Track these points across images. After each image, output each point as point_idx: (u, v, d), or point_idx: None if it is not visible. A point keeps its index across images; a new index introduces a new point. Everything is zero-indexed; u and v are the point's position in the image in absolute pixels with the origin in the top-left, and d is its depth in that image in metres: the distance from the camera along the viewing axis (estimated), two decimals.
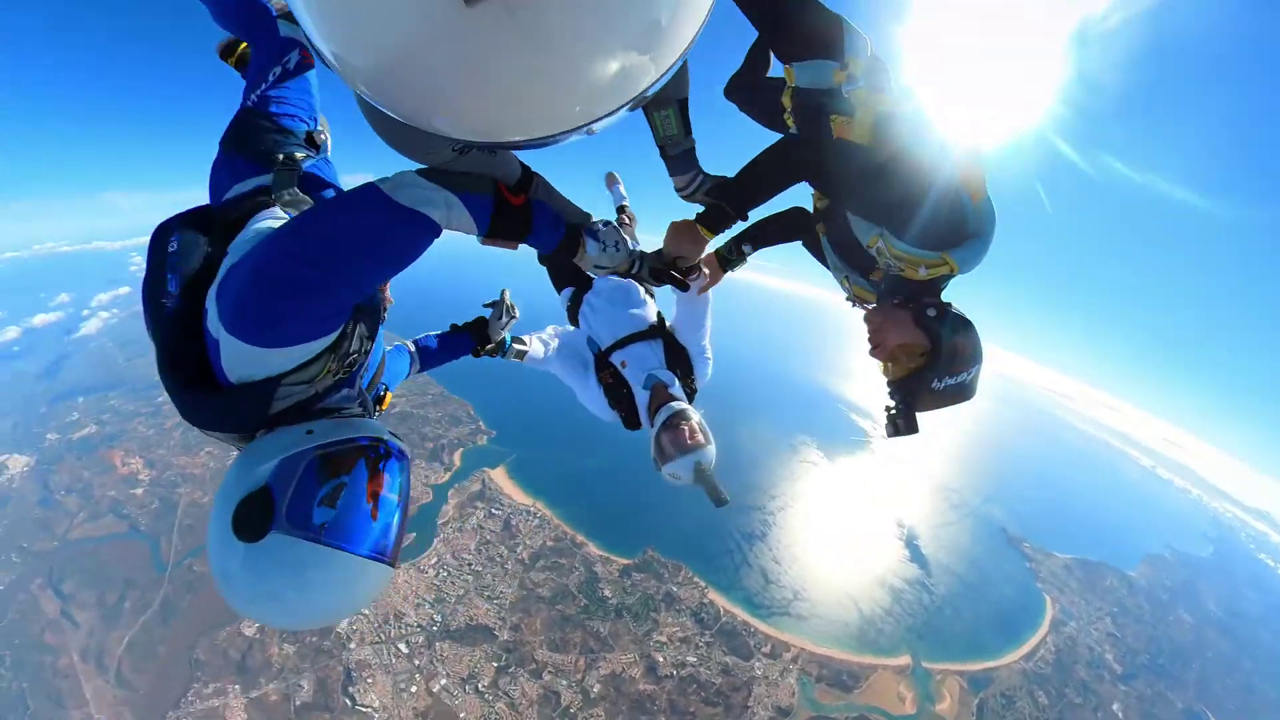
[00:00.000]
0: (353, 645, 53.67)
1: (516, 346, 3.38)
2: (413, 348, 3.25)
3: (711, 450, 2.70)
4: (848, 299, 2.83)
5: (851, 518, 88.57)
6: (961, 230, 1.93)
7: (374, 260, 1.38)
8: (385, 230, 1.37)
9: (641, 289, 3.25)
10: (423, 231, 1.43)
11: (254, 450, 1.31)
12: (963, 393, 2.12)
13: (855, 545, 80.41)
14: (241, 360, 1.25)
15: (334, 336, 1.38)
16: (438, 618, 57.43)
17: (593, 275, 2.28)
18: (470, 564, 62.30)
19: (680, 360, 2.94)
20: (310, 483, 1.23)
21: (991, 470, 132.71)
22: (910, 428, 2.24)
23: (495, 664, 56.21)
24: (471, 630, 57.15)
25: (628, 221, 3.99)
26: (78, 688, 48.42)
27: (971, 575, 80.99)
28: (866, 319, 2.32)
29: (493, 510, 70.02)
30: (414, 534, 64.18)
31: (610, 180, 4.65)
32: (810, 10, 2.10)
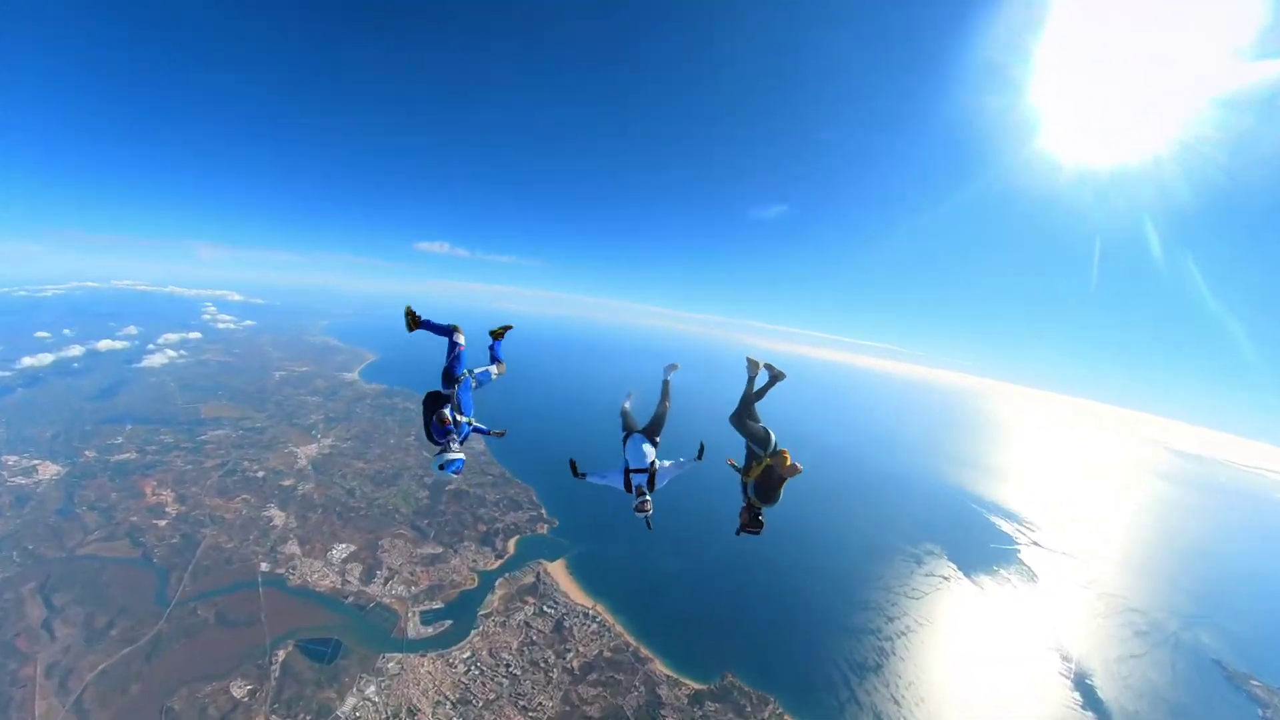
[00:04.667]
0: None
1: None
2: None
3: (650, 512, 10.19)
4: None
5: (998, 648, 77.94)
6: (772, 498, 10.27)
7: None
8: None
9: (650, 450, 11.14)
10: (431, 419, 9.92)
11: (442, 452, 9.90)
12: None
13: (1003, 685, 70.38)
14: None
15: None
16: None
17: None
18: (509, 665, 60.60)
19: (651, 481, 10.48)
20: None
21: (1190, 581, 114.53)
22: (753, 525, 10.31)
23: None
24: None
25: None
26: (29, 700, 49.75)
27: None
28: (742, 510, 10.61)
29: (545, 608, 69.48)
30: (449, 621, 64.99)
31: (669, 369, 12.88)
32: (759, 438, 10.72)
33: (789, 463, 9.69)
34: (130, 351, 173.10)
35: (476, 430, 10.52)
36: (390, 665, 57.46)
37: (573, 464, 10.71)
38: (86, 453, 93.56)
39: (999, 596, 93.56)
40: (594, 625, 67.66)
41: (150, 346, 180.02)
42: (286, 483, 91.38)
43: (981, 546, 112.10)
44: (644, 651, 64.97)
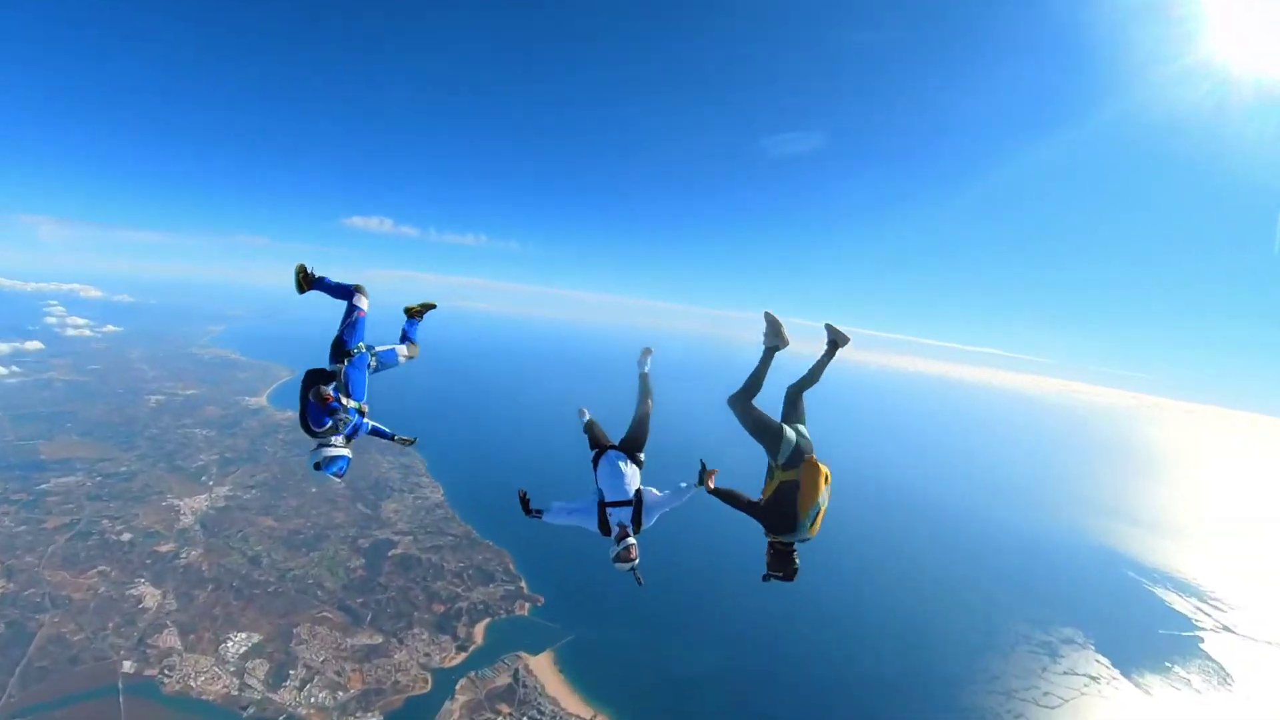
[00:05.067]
0: None
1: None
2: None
3: (637, 560, 9.41)
4: None
5: None
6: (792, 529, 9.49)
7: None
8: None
9: (633, 471, 10.68)
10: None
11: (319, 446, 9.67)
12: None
13: None
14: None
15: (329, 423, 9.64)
16: None
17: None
18: None
19: (637, 516, 9.91)
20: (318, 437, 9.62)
21: None
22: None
23: None
24: None
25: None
26: None
27: None
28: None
29: (525, 719, 70.49)
30: None
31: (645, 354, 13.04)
32: (768, 433, 10.24)
33: (815, 472, 9.30)
34: None
35: (378, 432, 11.06)
36: None
37: (523, 497, 10.66)
38: None
39: (1174, 705, 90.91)
40: None
41: None
42: (164, 548, 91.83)
43: (1145, 633, 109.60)
44: None
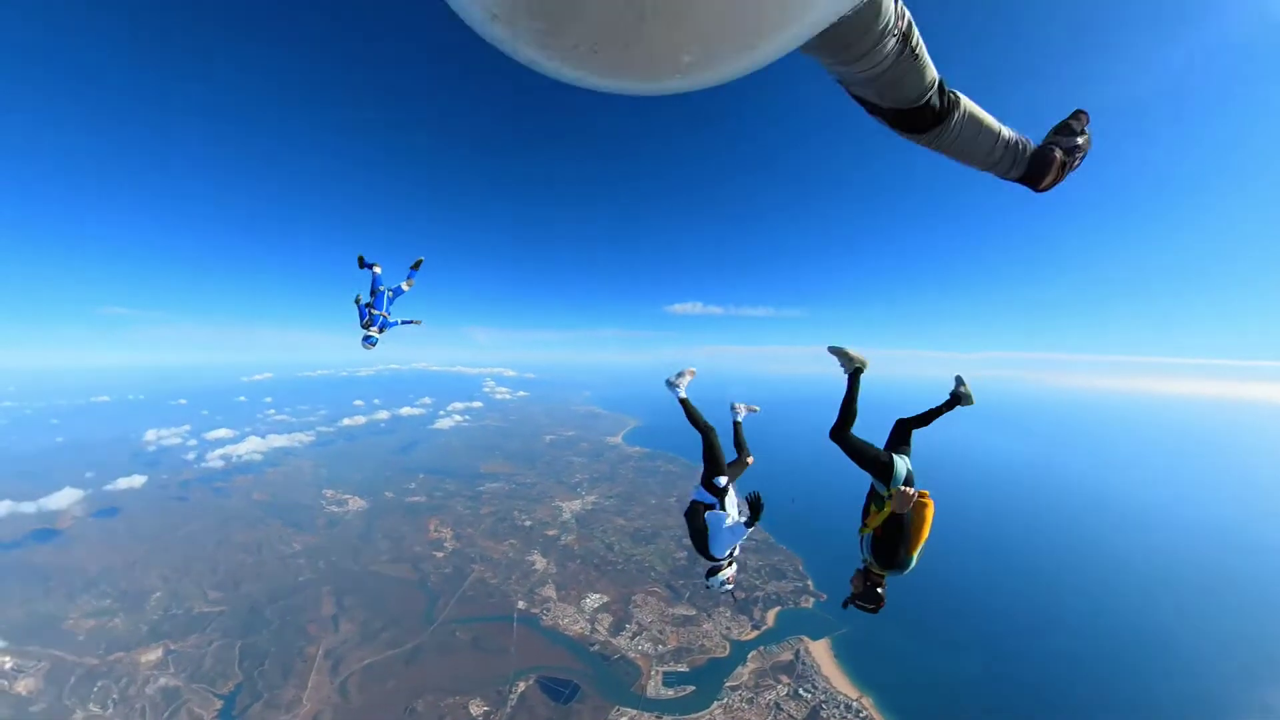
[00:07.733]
0: None
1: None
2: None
3: (733, 586, 10.82)
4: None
5: None
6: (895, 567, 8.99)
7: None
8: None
9: (735, 522, 10.42)
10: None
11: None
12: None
13: None
14: None
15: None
16: None
17: None
18: None
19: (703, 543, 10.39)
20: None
21: None
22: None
23: None
24: None
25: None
26: (306, 673, 73.64)
27: None
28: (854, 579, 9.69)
29: (801, 691, 72.76)
30: (692, 687, 73.08)
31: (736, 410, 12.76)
32: (879, 466, 9.12)
33: (915, 498, 8.15)
34: (425, 417, 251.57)
35: (405, 323, 17.63)
36: None
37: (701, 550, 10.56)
38: (386, 493, 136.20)
39: None
40: None
41: (441, 413, 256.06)
42: (550, 533, 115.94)
43: None
44: None
